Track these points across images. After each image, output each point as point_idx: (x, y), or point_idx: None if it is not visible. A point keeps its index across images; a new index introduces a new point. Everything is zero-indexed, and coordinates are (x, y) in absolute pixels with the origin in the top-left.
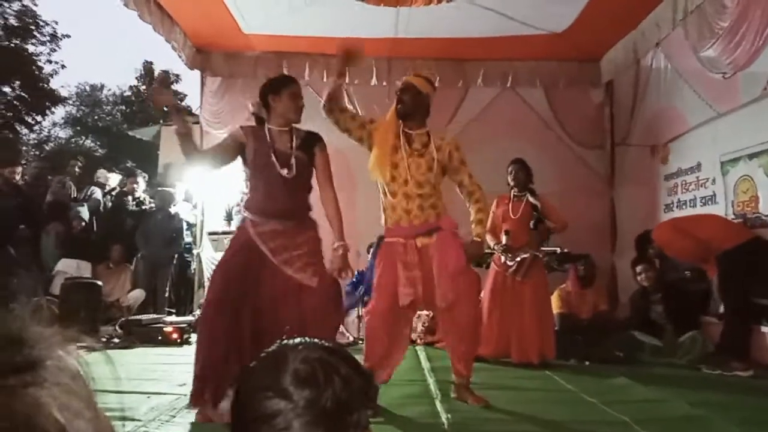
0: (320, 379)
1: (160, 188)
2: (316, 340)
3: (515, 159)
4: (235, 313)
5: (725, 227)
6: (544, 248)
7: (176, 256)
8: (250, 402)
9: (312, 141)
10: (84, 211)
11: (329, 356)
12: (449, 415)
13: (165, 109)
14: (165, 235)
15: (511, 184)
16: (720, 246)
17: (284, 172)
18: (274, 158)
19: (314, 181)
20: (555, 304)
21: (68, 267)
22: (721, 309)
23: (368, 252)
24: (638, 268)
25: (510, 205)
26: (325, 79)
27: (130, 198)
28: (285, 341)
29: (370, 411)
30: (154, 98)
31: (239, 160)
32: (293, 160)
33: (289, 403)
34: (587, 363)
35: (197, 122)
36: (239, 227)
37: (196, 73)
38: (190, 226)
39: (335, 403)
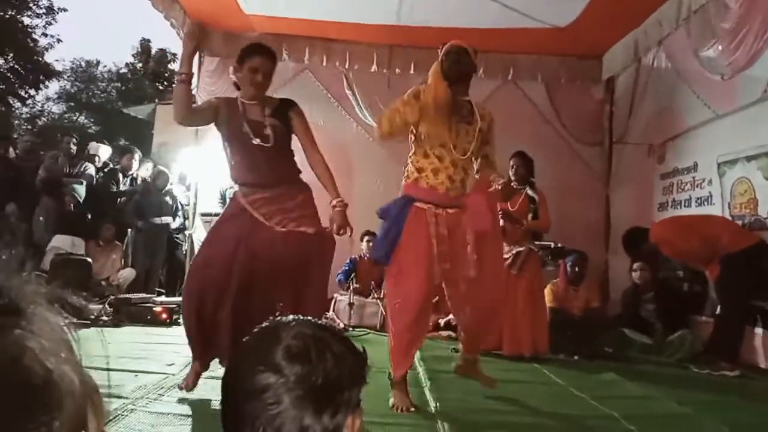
0: (312, 355)
1: (156, 167)
2: (309, 318)
3: (517, 152)
4: (224, 269)
5: (733, 229)
6: (538, 242)
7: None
8: (241, 376)
9: (286, 107)
10: (80, 189)
11: (322, 333)
12: (438, 404)
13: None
14: (160, 213)
15: (512, 177)
16: (727, 247)
17: (258, 141)
18: (248, 129)
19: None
20: (547, 298)
21: (63, 243)
22: (718, 310)
23: (361, 240)
24: (635, 266)
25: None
26: (324, 64)
27: (121, 175)
28: (278, 318)
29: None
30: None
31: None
32: (268, 130)
33: (280, 378)
34: (576, 358)
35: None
36: (231, 198)
37: None
38: (183, 207)
39: (326, 379)
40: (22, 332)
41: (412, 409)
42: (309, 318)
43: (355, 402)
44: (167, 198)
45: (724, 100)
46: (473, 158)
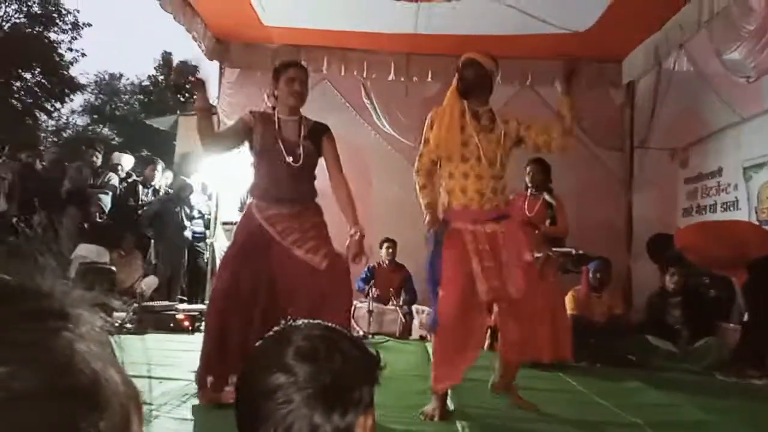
0: (321, 354)
1: (179, 177)
2: (320, 321)
3: (534, 158)
4: (244, 302)
5: (762, 234)
6: (559, 249)
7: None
8: (254, 378)
9: (320, 131)
10: (106, 199)
11: (332, 334)
12: (460, 410)
13: (189, 81)
14: (180, 223)
15: (529, 184)
16: (755, 252)
17: (290, 159)
18: (281, 145)
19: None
20: (568, 305)
21: (88, 252)
22: (746, 316)
23: (380, 247)
24: (670, 270)
25: (526, 203)
26: (342, 73)
27: (141, 187)
28: (290, 322)
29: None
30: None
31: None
32: (300, 149)
33: (290, 377)
34: (598, 365)
35: (215, 113)
36: (244, 213)
37: (215, 64)
38: (203, 215)
39: (335, 378)
40: (71, 335)
41: (436, 419)
42: (319, 321)
43: (367, 401)
44: (186, 207)
45: (750, 103)
46: (503, 164)
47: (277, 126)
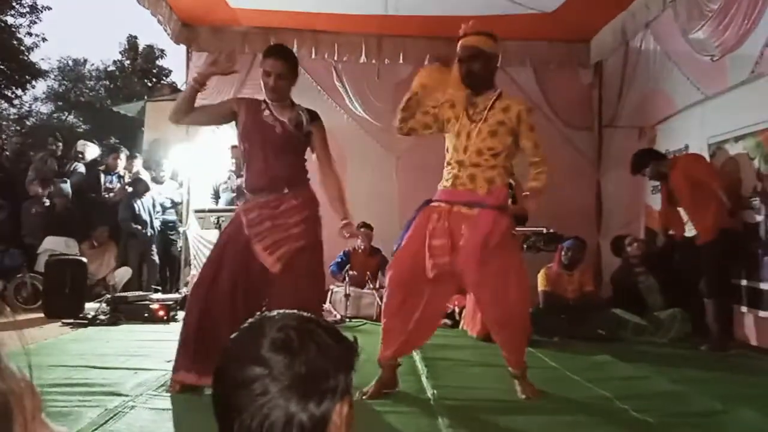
0: (295, 345)
1: (136, 176)
2: (294, 311)
3: None
4: (226, 292)
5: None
6: (530, 228)
7: (158, 233)
8: (230, 370)
9: (308, 119)
10: (66, 187)
11: (305, 324)
12: (435, 391)
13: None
14: (139, 216)
15: None
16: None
17: (272, 146)
18: (268, 119)
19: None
20: (540, 282)
21: (56, 244)
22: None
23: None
24: (627, 239)
25: None
26: (313, 56)
27: (103, 175)
28: (264, 313)
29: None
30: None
31: (226, 137)
32: (287, 124)
33: (265, 369)
34: (568, 339)
35: None
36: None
37: (182, 48)
38: (176, 204)
39: (310, 368)
40: None
41: (365, 397)
42: (294, 311)
43: (343, 389)
44: (141, 201)
45: (714, 81)
46: (496, 154)
47: (263, 113)
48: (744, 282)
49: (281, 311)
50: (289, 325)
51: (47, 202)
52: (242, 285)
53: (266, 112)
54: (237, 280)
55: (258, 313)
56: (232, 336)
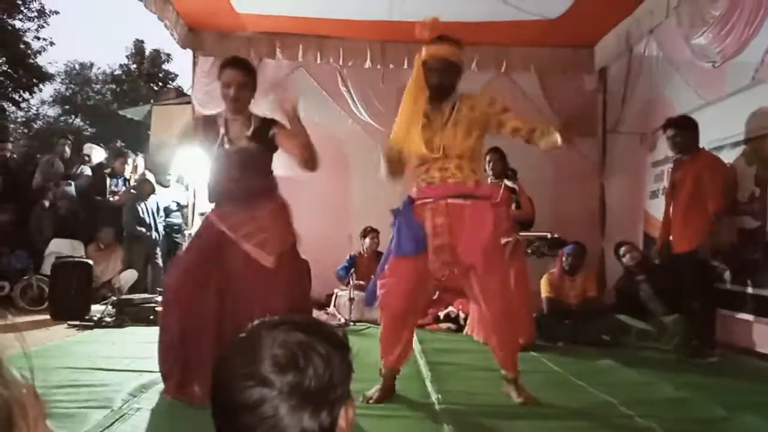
0: (300, 361)
1: (141, 179)
2: (289, 317)
3: (492, 148)
4: (197, 294)
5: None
6: (535, 233)
7: (164, 236)
8: (231, 391)
9: (267, 126)
10: (69, 190)
11: (306, 336)
12: (439, 395)
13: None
14: (143, 219)
15: (489, 173)
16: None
17: (237, 159)
18: (226, 146)
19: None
20: (544, 289)
21: (62, 247)
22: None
23: (361, 237)
24: (622, 249)
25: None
26: (318, 61)
27: (109, 179)
28: (259, 322)
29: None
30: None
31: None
32: (247, 148)
33: (273, 390)
34: (572, 344)
35: (189, 102)
36: (204, 218)
37: (189, 52)
38: (181, 207)
39: (318, 382)
40: None
41: (372, 401)
42: (289, 318)
43: (346, 393)
44: (144, 204)
45: (713, 87)
46: (472, 149)
47: (224, 126)
48: (750, 290)
49: (273, 319)
50: (290, 341)
51: (53, 205)
52: (219, 285)
53: (231, 130)
54: (217, 284)
55: (248, 321)
56: (228, 353)
